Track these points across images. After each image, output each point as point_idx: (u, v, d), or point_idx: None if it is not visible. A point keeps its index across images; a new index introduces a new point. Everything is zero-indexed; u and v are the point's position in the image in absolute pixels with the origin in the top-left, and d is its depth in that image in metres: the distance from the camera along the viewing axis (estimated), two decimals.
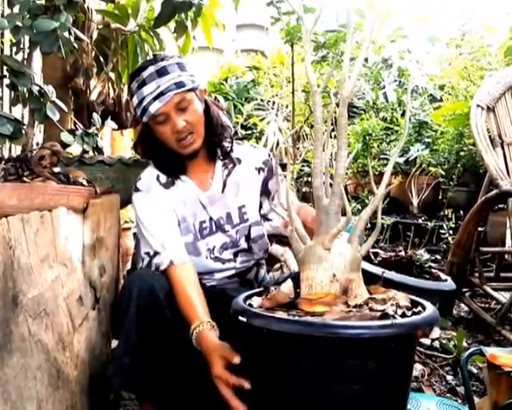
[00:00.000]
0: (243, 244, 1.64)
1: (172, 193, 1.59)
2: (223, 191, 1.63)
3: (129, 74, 2.62)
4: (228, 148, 1.64)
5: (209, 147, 1.61)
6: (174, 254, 1.50)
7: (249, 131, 6.29)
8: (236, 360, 1.18)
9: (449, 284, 2.02)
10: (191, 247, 1.58)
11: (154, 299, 1.39)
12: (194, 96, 1.53)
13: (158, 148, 1.58)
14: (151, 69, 1.49)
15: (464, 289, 2.78)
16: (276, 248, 1.82)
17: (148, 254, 1.53)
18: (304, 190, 5.56)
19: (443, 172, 4.32)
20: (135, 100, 1.52)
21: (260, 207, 1.68)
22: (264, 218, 1.70)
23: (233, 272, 1.64)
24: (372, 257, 2.04)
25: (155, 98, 1.47)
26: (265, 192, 1.68)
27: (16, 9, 1.51)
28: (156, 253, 1.51)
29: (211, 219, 1.61)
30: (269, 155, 1.70)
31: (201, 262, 1.59)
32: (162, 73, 1.49)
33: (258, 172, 1.67)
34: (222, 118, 1.63)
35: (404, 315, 1.02)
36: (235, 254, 1.64)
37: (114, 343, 1.72)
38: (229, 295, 1.42)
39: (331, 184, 1.13)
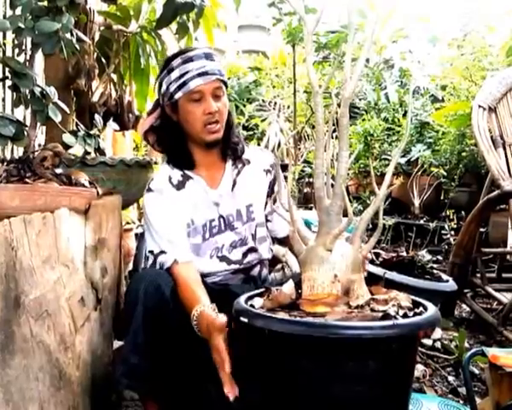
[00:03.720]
0: (251, 242, 1.65)
1: (184, 195, 1.61)
2: (232, 189, 1.65)
3: (131, 74, 2.64)
4: (240, 150, 1.68)
5: (223, 147, 1.65)
6: (179, 253, 1.52)
7: (251, 132, 6.29)
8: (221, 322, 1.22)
9: (450, 284, 2.02)
10: (197, 248, 1.59)
11: (160, 298, 1.39)
12: (225, 92, 1.60)
13: (176, 135, 1.61)
14: (199, 51, 1.56)
15: (466, 290, 2.77)
16: (277, 249, 1.82)
17: (152, 252, 1.54)
18: (305, 190, 5.57)
19: (444, 173, 4.31)
20: (175, 73, 1.53)
21: (265, 207, 1.70)
22: (266, 219, 1.71)
23: (237, 267, 1.64)
24: (374, 258, 2.04)
25: (199, 75, 1.52)
26: (271, 194, 1.70)
27: (18, 11, 1.52)
28: (162, 252, 1.52)
29: (220, 217, 1.63)
30: (274, 159, 1.75)
31: (206, 263, 1.59)
32: (209, 57, 1.56)
33: (266, 174, 1.70)
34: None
35: (405, 316, 1.02)
36: (244, 255, 1.65)
37: (116, 344, 1.72)
38: (233, 291, 1.42)
39: (333, 185, 1.14)
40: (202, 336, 1.31)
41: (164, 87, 1.57)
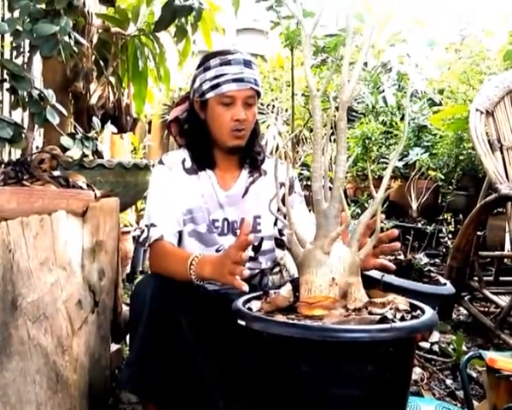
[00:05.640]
0: (250, 252, 1.63)
1: (192, 181, 1.61)
2: (243, 197, 1.64)
3: (129, 77, 2.64)
4: (260, 161, 1.68)
5: (243, 154, 1.64)
6: (166, 232, 1.52)
7: None
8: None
9: (448, 287, 2.02)
10: (203, 237, 1.59)
11: (167, 304, 1.38)
12: (256, 101, 1.60)
13: (200, 132, 1.61)
14: (239, 56, 1.55)
15: (463, 293, 2.77)
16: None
17: (147, 226, 1.56)
18: (303, 193, 5.56)
19: (442, 176, 4.32)
20: (211, 73, 1.53)
21: (276, 221, 1.68)
22: (280, 233, 1.69)
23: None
24: None
25: (234, 80, 1.52)
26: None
27: (17, 13, 1.52)
28: (152, 224, 1.53)
29: (225, 219, 1.62)
30: (293, 176, 1.74)
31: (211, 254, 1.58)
32: (247, 64, 1.55)
33: (280, 187, 1.67)
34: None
35: (403, 319, 1.02)
36: None
37: (114, 347, 1.72)
38: (233, 299, 1.41)
39: (330, 188, 1.14)
40: (201, 278, 1.34)
41: (197, 83, 1.57)
